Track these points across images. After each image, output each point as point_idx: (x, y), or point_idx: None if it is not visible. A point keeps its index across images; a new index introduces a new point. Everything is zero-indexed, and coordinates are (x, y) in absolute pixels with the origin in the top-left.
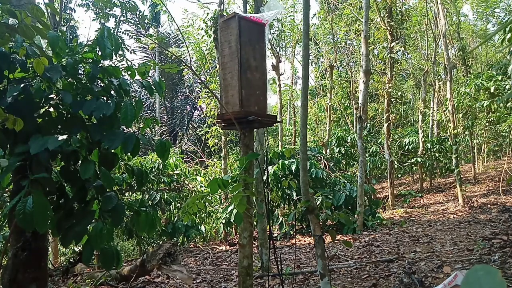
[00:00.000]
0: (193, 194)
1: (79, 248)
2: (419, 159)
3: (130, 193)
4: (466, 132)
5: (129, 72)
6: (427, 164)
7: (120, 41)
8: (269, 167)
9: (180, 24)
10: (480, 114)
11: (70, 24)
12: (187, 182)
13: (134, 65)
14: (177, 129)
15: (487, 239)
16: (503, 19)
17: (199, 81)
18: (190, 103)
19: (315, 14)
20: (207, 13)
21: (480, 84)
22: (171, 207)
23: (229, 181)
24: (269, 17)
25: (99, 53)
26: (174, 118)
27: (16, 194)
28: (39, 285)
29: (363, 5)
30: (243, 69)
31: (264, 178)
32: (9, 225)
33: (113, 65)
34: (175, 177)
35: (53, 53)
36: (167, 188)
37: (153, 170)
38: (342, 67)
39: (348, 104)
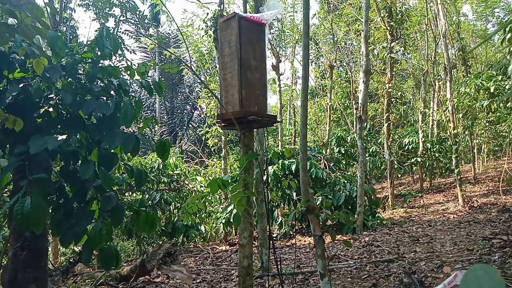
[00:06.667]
0: (193, 194)
1: (79, 248)
2: (419, 159)
3: (130, 193)
4: (466, 132)
5: (128, 72)
6: (427, 164)
7: (120, 41)
8: (269, 167)
9: (179, 24)
10: (480, 114)
11: (70, 24)
12: (187, 182)
13: (134, 65)
14: (177, 129)
15: (487, 239)
16: (503, 19)
17: (199, 81)
18: (190, 103)
19: (315, 14)
20: (207, 13)
21: (480, 84)
22: (171, 207)
23: (229, 181)
24: (269, 17)
25: (99, 53)
26: (174, 118)
27: (15, 194)
28: (39, 285)
29: (363, 5)
30: (243, 69)
31: (264, 178)
32: (9, 225)
33: (112, 65)
34: (175, 177)
35: (53, 53)
36: (167, 188)
37: (153, 170)
38: (342, 67)
39: (348, 104)
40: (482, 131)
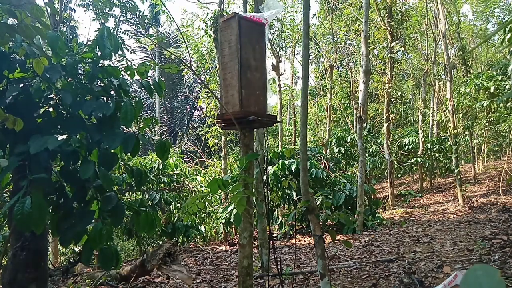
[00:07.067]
0: (193, 194)
1: (79, 248)
2: (419, 159)
3: (130, 193)
4: (466, 132)
5: (128, 72)
6: (427, 164)
7: (120, 41)
8: (269, 167)
9: (179, 24)
10: (480, 114)
11: (70, 24)
12: (187, 182)
13: (134, 65)
14: (177, 129)
15: (487, 239)
16: (503, 19)
17: (199, 81)
18: (190, 103)
19: (315, 14)
20: (207, 13)
21: (480, 84)
22: (171, 207)
23: (229, 181)
24: (269, 17)
25: (99, 53)
26: (174, 118)
27: (15, 194)
28: (39, 285)
29: (363, 5)
30: (243, 69)
31: (264, 178)
32: (9, 225)
33: (112, 65)
34: (175, 177)
35: (53, 53)
36: (167, 188)
37: (153, 170)
38: (342, 67)
39: (348, 104)
40: (482, 131)
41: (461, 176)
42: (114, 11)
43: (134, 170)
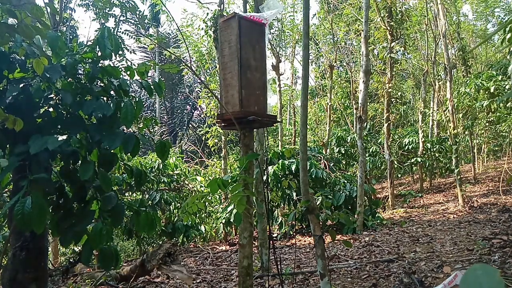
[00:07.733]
0: (193, 194)
1: (79, 248)
2: (419, 159)
3: (130, 193)
4: (466, 132)
5: (128, 72)
6: (427, 164)
7: (120, 41)
8: (269, 167)
9: (179, 24)
10: (480, 114)
11: (70, 24)
12: (187, 182)
13: (134, 65)
14: (177, 129)
15: (487, 239)
16: (503, 19)
17: (199, 81)
18: (190, 103)
19: (315, 14)
20: (207, 13)
21: (480, 84)
22: (171, 207)
23: (229, 181)
24: (269, 16)
25: (99, 53)
26: (174, 118)
27: (16, 194)
28: (39, 285)
29: (363, 5)
30: (243, 69)
31: (264, 178)
32: (9, 225)
33: (112, 65)
34: (175, 177)
35: (53, 53)
36: (167, 188)
37: (153, 170)
38: (342, 67)
39: (348, 104)
40: (482, 131)
41: (461, 176)
42: (114, 11)
43: (134, 170)
